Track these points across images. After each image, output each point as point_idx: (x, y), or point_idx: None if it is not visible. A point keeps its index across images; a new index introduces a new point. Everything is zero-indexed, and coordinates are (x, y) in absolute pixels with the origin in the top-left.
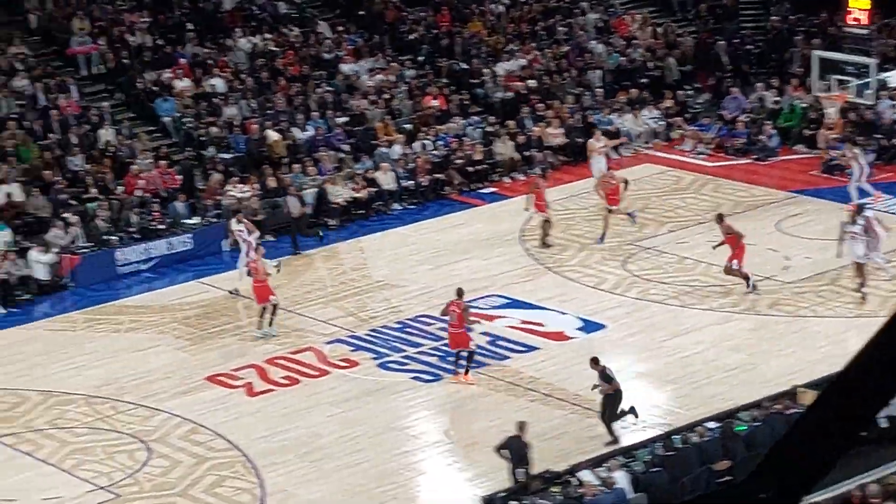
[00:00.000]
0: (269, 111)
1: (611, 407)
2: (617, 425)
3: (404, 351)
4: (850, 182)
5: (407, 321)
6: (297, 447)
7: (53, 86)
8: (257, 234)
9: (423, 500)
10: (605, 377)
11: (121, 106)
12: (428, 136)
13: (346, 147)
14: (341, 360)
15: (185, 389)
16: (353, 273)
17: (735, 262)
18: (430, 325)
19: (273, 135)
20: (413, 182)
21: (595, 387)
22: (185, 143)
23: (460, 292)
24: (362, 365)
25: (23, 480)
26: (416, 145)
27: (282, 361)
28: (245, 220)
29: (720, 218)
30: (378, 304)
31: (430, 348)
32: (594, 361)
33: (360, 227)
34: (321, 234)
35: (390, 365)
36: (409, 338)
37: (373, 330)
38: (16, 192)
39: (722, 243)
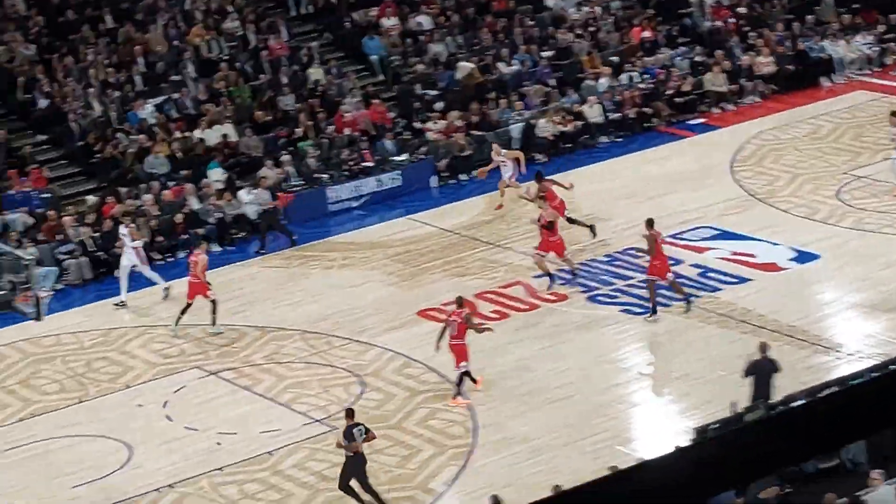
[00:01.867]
0: (474, 47)
1: (355, 472)
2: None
3: (613, 284)
4: None
5: (615, 254)
6: (507, 380)
7: (264, 27)
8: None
9: (635, 433)
10: (349, 435)
11: (329, 45)
12: (635, 69)
13: (553, 81)
14: (550, 294)
15: (397, 324)
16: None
17: None
18: (638, 257)
19: (466, 66)
20: (620, 115)
21: (339, 445)
22: (393, 81)
23: (460, 301)
24: (571, 298)
25: (242, 414)
26: (623, 77)
27: (491, 296)
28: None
29: None
30: (586, 237)
31: (640, 281)
32: (348, 415)
33: (567, 160)
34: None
35: (599, 298)
36: (618, 271)
37: (581, 263)
38: (230, 132)
39: None
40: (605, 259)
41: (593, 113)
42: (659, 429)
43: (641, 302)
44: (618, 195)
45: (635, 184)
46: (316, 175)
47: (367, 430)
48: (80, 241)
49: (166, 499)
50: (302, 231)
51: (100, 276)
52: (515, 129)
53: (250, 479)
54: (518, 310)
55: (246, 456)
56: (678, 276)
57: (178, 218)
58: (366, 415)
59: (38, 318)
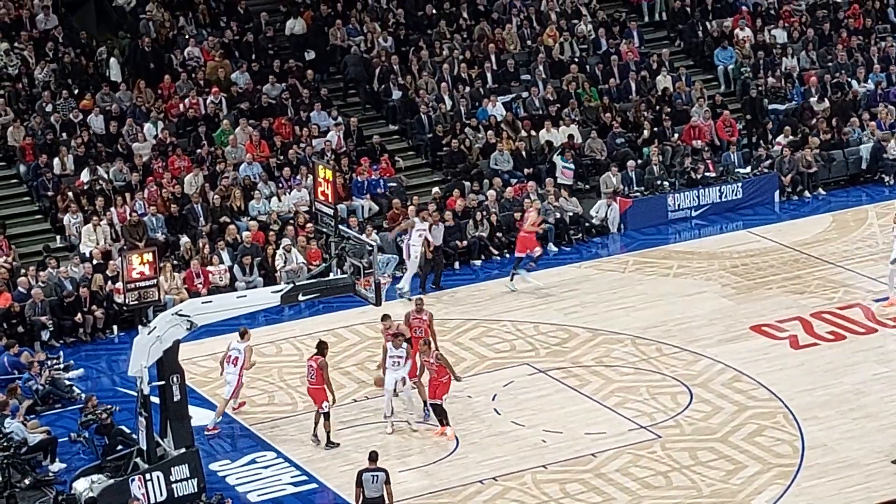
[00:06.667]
0: (828, 63)
1: None
2: None
3: None
4: None
5: None
6: (840, 403)
7: (616, 31)
8: None
9: None
10: (358, 480)
11: (679, 53)
12: None
13: None
14: (890, 319)
15: (730, 337)
16: None
17: None
18: None
19: None
20: None
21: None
22: (742, 92)
23: (319, 346)
24: None
25: (568, 413)
26: None
27: (828, 316)
28: None
29: None
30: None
31: None
32: (371, 458)
33: None
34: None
35: None
36: None
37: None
38: (575, 133)
39: None
40: None
41: None
42: None
43: None
44: None
45: None
46: (658, 182)
47: (387, 480)
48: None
49: (489, 491)
50: (640, 237)
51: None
52: (865, 150)
53: (573, 478)
54: (855, 332)
55: (570, 455)
56: None
57: (517, 216)
58: (692, 426)
59: (377, 303)
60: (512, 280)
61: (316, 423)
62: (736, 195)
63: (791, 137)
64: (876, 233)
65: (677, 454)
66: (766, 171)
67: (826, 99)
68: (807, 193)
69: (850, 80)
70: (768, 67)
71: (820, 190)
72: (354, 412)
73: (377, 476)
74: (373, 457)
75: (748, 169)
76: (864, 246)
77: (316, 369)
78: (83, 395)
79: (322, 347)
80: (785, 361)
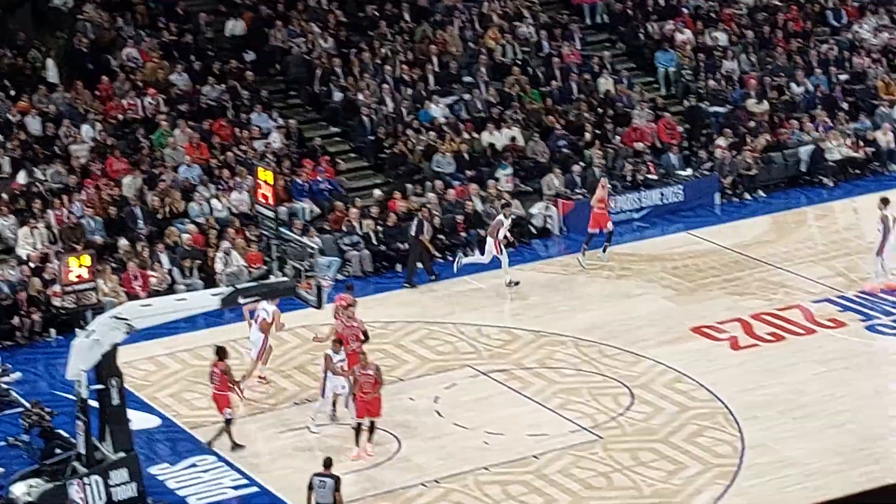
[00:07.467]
0: (768, 66)
1: None
2: None
3: (894, 315)
4: None
5: None
6: (780, 403)
7: (558, 33)
8: None
9: None
10: (310, 483)
11: (621, 56)
12: None
13: (845, 105)
14: (828, 320)
15: (671, 338)
16: (845, 233)
17: None
18: None
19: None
20: None
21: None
22: (683, 95)
23: (218, 352)
24: (850, 326)
25: (510, 415)
26: None
27: (768, 317)
28: None
29: None
30: (869, 265)
31: None
32: (325, 464)
33: (854, 186)
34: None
35: (880, 328)
36: None
37: (862, 291)
38: (518, 136)
39: None
40: (889, 290)
41: (886, 140)
42: None
43: None
44: None
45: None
46: None
47: (337, 487)
48: (365, 233)
49: (431, 493)
50: (581, 240)
51: (380, 270)
52: (804, 152)
53: (515, 480)
54: (795, 333)
55: (511, 457)
56: None
57: (460, 218)
58: (634, 426)
59: (318, 306)
60: (605, 252)
61: (228, 426)
62: (677, 197)
63: (731, 140)
64: (815, 234)
65: (619, 455)
66: (706, 173)
67: (765, 101)
68: (746, 195)
69: (789, 82)
70: (709, 70)
71: (759, 192)
72: (294, 415)
73: (325, 482)
74: (326, 463)
75: (689, 171)
76: (803, 248)
77: (220, 375)
78: (21, 399)
79: (222, 353)
80: (725, 362)
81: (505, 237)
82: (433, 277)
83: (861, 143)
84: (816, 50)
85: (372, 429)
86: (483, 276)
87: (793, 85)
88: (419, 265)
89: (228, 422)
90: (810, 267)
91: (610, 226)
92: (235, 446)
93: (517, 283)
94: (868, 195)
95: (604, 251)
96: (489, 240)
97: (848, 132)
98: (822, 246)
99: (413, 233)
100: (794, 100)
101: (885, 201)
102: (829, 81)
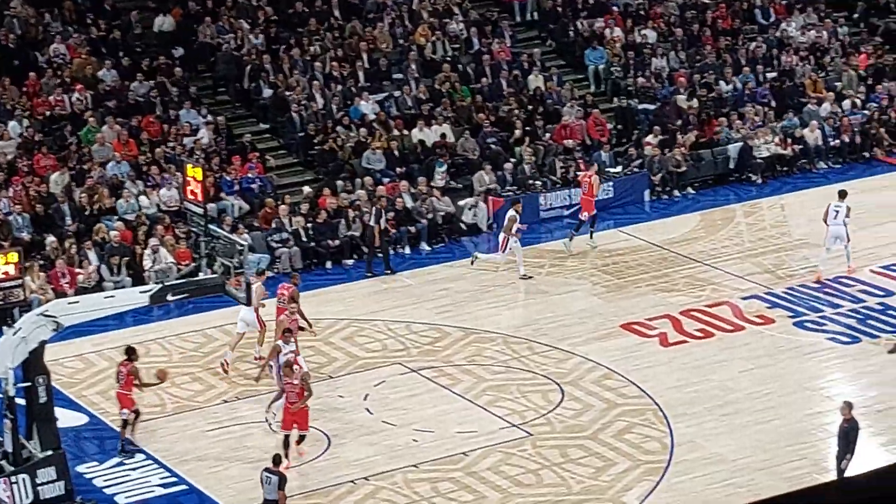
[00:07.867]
0: (697, 64)
1: None
2: None
3: (822, 311)
4: None
5: (826, 281)
6: (708, 400)
7: (488, 31)
8: None
9: (833, 463)
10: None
11: (551, 53)
12: (858, 95)
13: (773, 103)
14: (757, 317)
15: (600, 335)
16: (772, 230)
17: None
18: (850, 286)
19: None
20: (840, 141)
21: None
22: (613, 92)
23: (129, 352)
24: (778, 322)
25: (440, 413)
26: (846, 104)
27: (697, 314)
28: None
29: None
30: (797, 262)
31: (849, 310)
32: (274, 461)
33: (783, 183)
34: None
35: (807, 324)
36: (828, 298)
37: (790, 288)
38: (448, 132)
39: None
40: (816, 285)
41: (813, 137)
42: (860, 461)
43: (849, 331)
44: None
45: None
46: (529, 181)
47: (281, 484)
48: (294, 230)
49: (360, 490)
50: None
51: (310, 266)
52: (733, 149)
53: (444, 477)
54: (723, 330)
55: (441, 454)
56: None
57: (391, 214)
58: (563, 423)
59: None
60: (592, 238)
61: (123, 428)
62: (607, 194)
63: (660, 137)
64: (743, 231)
65: (548, 452)
66: (636, 170)
67: (695, 98)
68: (676, 192)
69: (718, 80)
70: (638, 67)
71: (689, 189)
72: (224, 413)
73: (270, 479)
74: (275, 460)
75: (619, 168)
76: (731, 245)
77: (126, 374)
78: None
79: (131, 353)
80: (654, 359)
81: (518, 230)
82: (370, 274)
83: (789, 141)
84: (745, 48)
85: (300, 439)
86: (414, 273)
87: (721, 83)
88: (378, 254)
89: (125, 423)
90: (738, 263)
91: (588, 214)
92: (124, 448)
93: (530, 278)
94: (796, 192)
95: (591, 237)
96: (502, 235)
97: (776, 130)
98: (750, 243)
99: (372, 222)
100: (722, 97)
101: (841, 194)
102: (758, 79)
